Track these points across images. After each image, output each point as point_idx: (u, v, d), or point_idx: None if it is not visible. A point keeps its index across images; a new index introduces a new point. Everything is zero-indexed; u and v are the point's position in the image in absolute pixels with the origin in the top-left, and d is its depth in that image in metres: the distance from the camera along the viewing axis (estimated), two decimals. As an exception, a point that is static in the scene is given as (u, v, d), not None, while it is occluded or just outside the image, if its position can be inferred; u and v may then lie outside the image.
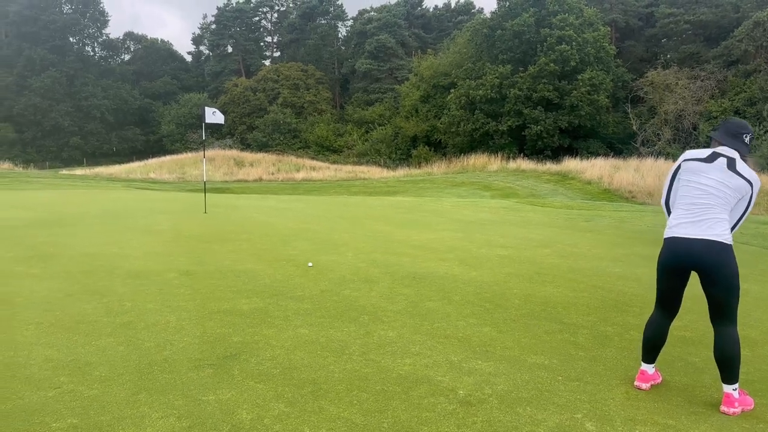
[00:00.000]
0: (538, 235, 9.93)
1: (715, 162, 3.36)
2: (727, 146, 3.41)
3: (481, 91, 46.68)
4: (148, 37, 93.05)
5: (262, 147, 61.53)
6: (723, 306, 3.32)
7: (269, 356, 3.95)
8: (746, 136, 3.45)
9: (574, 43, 44.91)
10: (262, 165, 44.71)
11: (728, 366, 3.28)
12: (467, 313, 5.01)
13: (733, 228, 3.41)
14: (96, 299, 5.21)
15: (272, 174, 41.78)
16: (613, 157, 37.10)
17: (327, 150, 65.11)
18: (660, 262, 3.53)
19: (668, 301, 3.56)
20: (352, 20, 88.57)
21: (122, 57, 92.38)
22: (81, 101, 75.59)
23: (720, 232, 3.28)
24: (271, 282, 6.02)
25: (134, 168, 43.21)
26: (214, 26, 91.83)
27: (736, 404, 3.26)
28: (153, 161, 47.70)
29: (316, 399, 3.27)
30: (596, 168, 29.75)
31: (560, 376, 3.72)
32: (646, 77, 46.62)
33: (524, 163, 33.79)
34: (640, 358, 3.66)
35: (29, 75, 73.13)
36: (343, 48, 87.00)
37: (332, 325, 4.63)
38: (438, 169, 36.93)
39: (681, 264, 3.41)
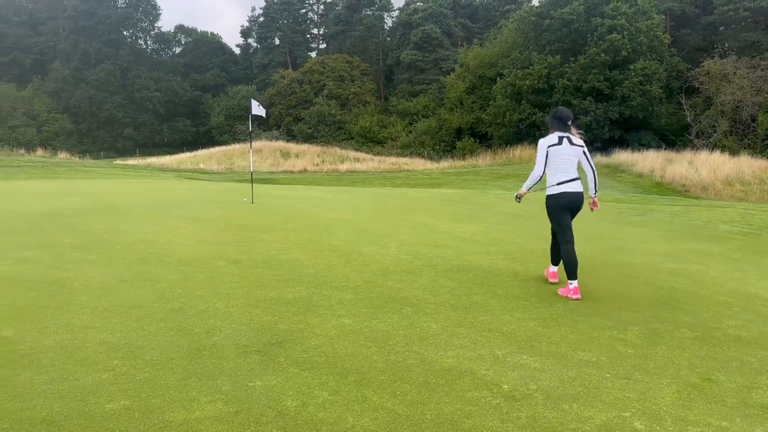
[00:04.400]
0: (588, 229, 9.68)
1: (563, 143, 5.40)
2: (559, 131, 5.45)
3: (528, 81, 45.83)
4: (199, 30, 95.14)
5: (308, 138, 62.23)
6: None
7: (313, 345, 3.99)
8: (569, 121, 5.47)
9: (625, 33, 43.50)
10: (307, 156, 45.24)
11: (573, 267, 5.26)
12: (512, 308, 4.94)
13: (595, 178, 5.57)
14: (148, 285, 5.38)
15: (317, 165, 42.21)
16: (665, 149, 35.86)
17: (371, 141, 65.28)
18: (559, 206, 5.40)
19: (570, 228, 5.43)
20: (397, 11, 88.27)
21: (173, 50, 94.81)
22: (134, 93, 78.10)
23: (581, 187, 5.43)
24: (315, 272, 6.09)
25: (184, 159, 44.39)
26: (262, 19, 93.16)
27: (572, 293, 5.24)
28: (202, 152, 48.90)
29: (360, 388, 3.30)
30: (648, 160, 28.82)
31: (608, 373, 3.63)
32: (702, 67, 44.82)
33: (572, 156, 32.96)
34: (552, 261, 5.87)
35: (85, 68, 76.00)
36: (389, 39, 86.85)
37: (375, 315, 4.65)
38: (483, 161, 36.51)
39: (571, 205, 5.41)
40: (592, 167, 5.49)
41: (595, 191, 5.64)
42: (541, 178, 5.51)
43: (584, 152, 5.46)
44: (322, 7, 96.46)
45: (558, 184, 5.35)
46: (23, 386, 3.28)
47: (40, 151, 33.28)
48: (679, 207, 14.64)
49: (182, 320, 4.46)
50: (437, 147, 53.31)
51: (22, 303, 4.77)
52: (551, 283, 5.77)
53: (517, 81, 46.39)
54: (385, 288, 5.48)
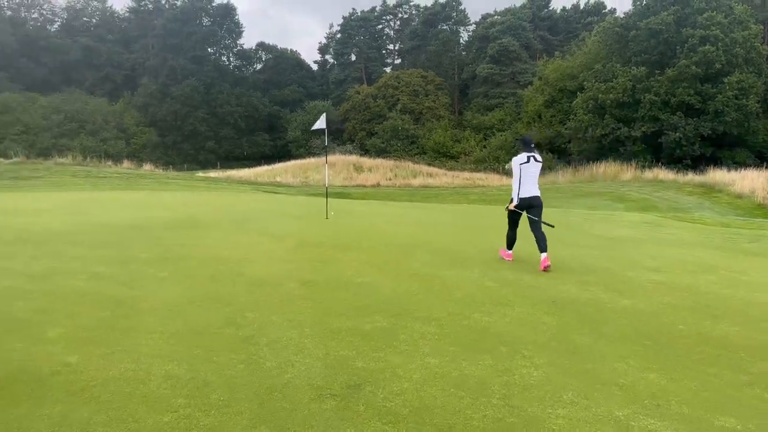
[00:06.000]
0: (694, 257, 8.68)
1: (530, 161, 7.31)
2: (526, 152, 7.35)
3: (611, 95, 43.80)
4: (279, 48, 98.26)
5: (380, 153, 62.43)
6: (539, 219, 7.31)
7: (397, 390, 3.48)
8: (532, 144, 7.48)
9: (720, 44, 40.77)
10: (379, 171, 45.17)
11: (543, 243, 7.16)
12: (625, 353, 4.23)
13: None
14: (218, 308, 5.07)
15: (389, 180, 42.02)
16: (766, 168, 33.01)
17: (444, 156, 64.71)
18: (518, 207, 7.43)
19: (518, 224, 7.63)
20: (474, 25, 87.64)
21: (254, 66, 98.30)
22: (216, 108, 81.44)
23: (539, 192, 7.48)
24: (394, 297, 5.59)
25: (261, 172, 45.46)
26: (339, 35, 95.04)
27: (548, 261, 7.04)
28: (279, 165, 49.93)
29: (456, 456, 2.74)
30: (747, 180, 26.52)
31: (767, 452, 2.89)
32: (806, 79, 41.21)
33: (662, 173, 30.94)
34: (508, 247, 7.85)
35: (171, 83, 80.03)
36: (464, 53, 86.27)
37: (465, 356, 4.08)
38: (563, 177, 35.00)
39: (530, 206, 7.40)
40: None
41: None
42: (519, 189, 7.41)
43: (540, 166, 7.60)
44: (398, 23, 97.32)
45: (525, 191, 7.41)
46: (79, 426, 2.96)
47: (126, 163, 34.93)
48: (792, 232, 13.10)
49: (253, 351, 4.07)
50: (513, 162, 51.86)
51: (91, 324, 4.55)
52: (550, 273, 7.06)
53: (600, 94, 44.43)
54: (473, 321, 4.89)
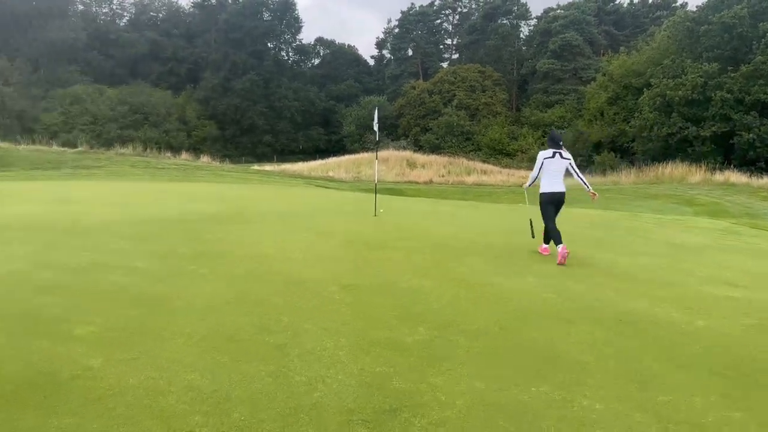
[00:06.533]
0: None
1: (555, 156, 7.58)
2: (553, 148, 7.65)
3: (680, 92, 41.52)
4: (336, 43, 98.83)
5: (434, 149, 61.74)
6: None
7: (437, 419, 3.08)
8: (560, 141, 7.75)
9: (803, 38, 37.95)
10: (433, 167, 44.59)
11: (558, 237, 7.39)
12: (705, 386, 3.67)
13: (582, 179, 7.86)
14: (253, 311, 4.79)
15: (442, 177, 41.39)
16: None
17: (499, 153, 63.45)
18: (546, 200, 7.65)
19: (553, 216, 7.70)
20: (535, 19, 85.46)
21: (312, 61, 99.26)
22: (274, 102, 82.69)
23: (564, 188, 7.67)
24: (439, 306, 5.18)
25: (315, 166, 45.68)
26: (397, 30, 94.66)
27: (549, 253, 7.75)
28: (332, 160, 50.08)
29: None
30: (832, 186, 24.51)
31: None
32: None
33: (734, 176, 29.04)
34: (544, 241, 8.02)
35: (232, 78, 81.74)
36: (524, 48, 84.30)
37: (517, 380, 3.62)
38: (626, 178, 33.39)
39: (555, 201, 7.66)
40: (577, 173, 7.76)
41: (588, 186, 7.93)
42: (535, 179, 7.84)
43: (570, 164, 7.69)
44: (457, 17, 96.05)
45: (548, 185, 7.67)
46: (85, 444, 2.71)
47: (184, 155, 35.72)
48: None
49: (283, 362, 3.75)
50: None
51: (121, 323, 4.36)
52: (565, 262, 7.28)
53: (668, 91, 42.20)
54: (527, 339, 4.42)
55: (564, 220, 14.03)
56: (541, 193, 7.69)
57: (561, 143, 7.74)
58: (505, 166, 50.39)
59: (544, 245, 7.98)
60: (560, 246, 7.25)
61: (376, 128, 11.81)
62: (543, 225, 7.86)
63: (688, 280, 6.66)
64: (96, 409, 3.05)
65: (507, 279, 6.37)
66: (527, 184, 8.12)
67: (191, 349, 3.92)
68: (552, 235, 7.56)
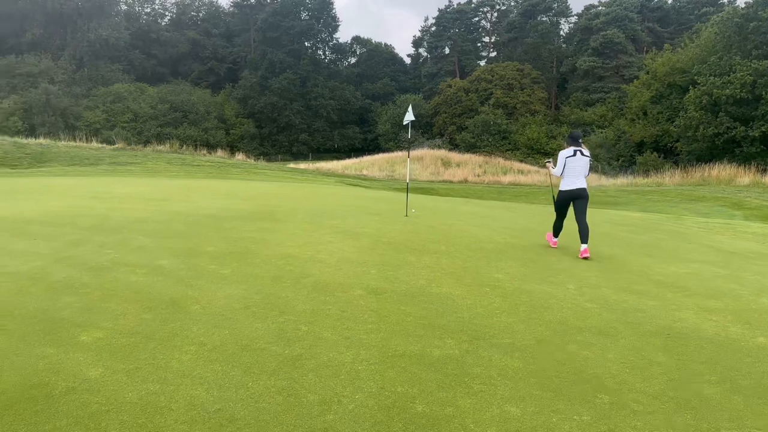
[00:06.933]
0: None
1: (576, 155, 7.91)
2: (573, 146, 7.99)
3: (728, 90, 39.84)
4: (373, 41, 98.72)
5: (470, 148, 61.04)
6: (584, 211, 7.86)
7: (463, 451, 2.72)
8: (579, 140, 8.12)
9: None
10: (468, 166, 43.97)
11: (585, 235, 7.69)
12: (772, 418, 3.21)
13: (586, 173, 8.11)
14: (272, 317, 4.52)
15: (478, 176, 40.74)
16: None
17: (537, 153, 62.30)
18: (563, 198, 8.04)
19: (565, 215, 8.21)
20: (576, 16, 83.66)
21: (348, 60, 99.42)
22: (311, 101, 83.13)
23: (585, 185, 7.95)
24: (471, 316, 4.80)
25: (349, 164, 45.56)
26: (434, 28, 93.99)
27: (587, 253, 7.62)
28: (367, 158, 49.91)
29: None
30: None
31: None
32: None
33: (786, 178, 27.59)
34: (554, 234, 8.49)
35: (270, 76, 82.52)
36: (564, 45, 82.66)
37: (555, 405, 3.24)
38: (670, 179, 32.13)
39: (573, 198, 7.93)
40: (587, 170, 8.02)
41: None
42: (560, 174, 8.01)
43: (589, 160, 7.99)
44: (495, 15, 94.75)
45: (568, 183, 7.93)
46: (70, 469, 2.45)
47: (220, 152, 36.02)
48: None
49: (296, 377, 3.46)
50: (613, 161, 48.77)
51: (131, 328, 4.14)
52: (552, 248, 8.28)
53: (715, 90, 40.54)
54: (567, 355, 4.01)
55: (603, 221, 13.43)
56: (560, 191, 8.04)
57: (580, 141, 8.09)
58: (543, 166, 49.29)
59: (554, 238, 8.53)
60: (554, 240, 8.42)
61: (408, 123, 11.45)
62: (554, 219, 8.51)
63: (742, 291, 6.11)
64: (86, 427, 2.80)
65: (544, 286, 5.94)
66: (553, 172, 8.31)
67: (200, 359, 3.66)
68: (555, 229, 8.36)
